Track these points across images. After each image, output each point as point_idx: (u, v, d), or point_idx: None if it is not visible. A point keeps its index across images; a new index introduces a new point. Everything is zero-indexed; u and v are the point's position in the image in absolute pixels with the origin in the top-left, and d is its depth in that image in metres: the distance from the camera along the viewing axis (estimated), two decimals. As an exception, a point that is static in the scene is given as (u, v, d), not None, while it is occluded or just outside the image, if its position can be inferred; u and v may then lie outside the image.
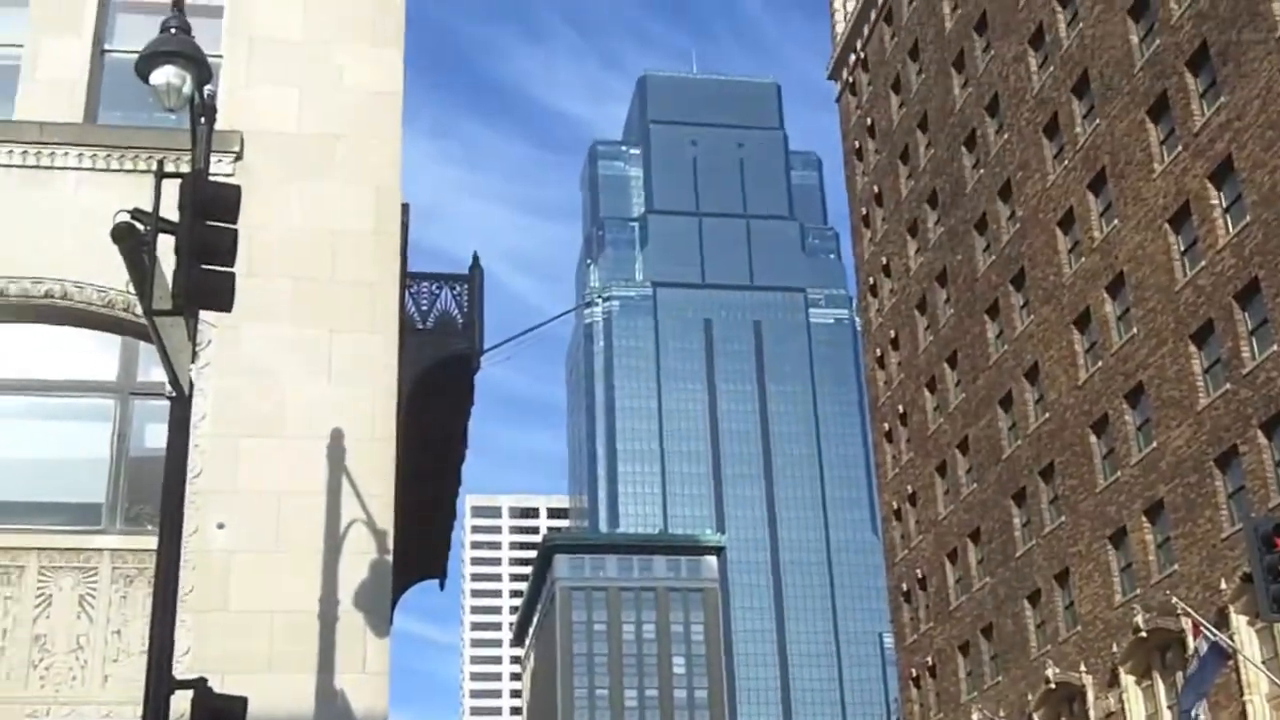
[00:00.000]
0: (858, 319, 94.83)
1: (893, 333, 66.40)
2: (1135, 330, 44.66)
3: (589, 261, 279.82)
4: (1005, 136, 54.59)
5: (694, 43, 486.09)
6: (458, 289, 19.88)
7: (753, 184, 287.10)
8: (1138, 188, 44.75)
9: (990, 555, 54.77)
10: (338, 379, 15.63)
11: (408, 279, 19.21)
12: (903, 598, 64.47)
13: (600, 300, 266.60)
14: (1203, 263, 41.09)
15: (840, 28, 76.24)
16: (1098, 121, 47.45)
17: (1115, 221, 46.14)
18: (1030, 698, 50.28)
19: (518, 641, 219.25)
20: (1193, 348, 41.76)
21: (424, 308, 19.65)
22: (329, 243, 16.16)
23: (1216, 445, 40.16)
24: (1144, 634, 43.08)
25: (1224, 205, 40.65)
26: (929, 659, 60.88)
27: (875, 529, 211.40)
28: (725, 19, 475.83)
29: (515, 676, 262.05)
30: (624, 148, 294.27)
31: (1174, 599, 40.52)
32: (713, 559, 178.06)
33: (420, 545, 22.39)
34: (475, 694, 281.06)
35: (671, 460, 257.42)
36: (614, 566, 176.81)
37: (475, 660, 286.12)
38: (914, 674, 62.76)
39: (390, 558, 15.26)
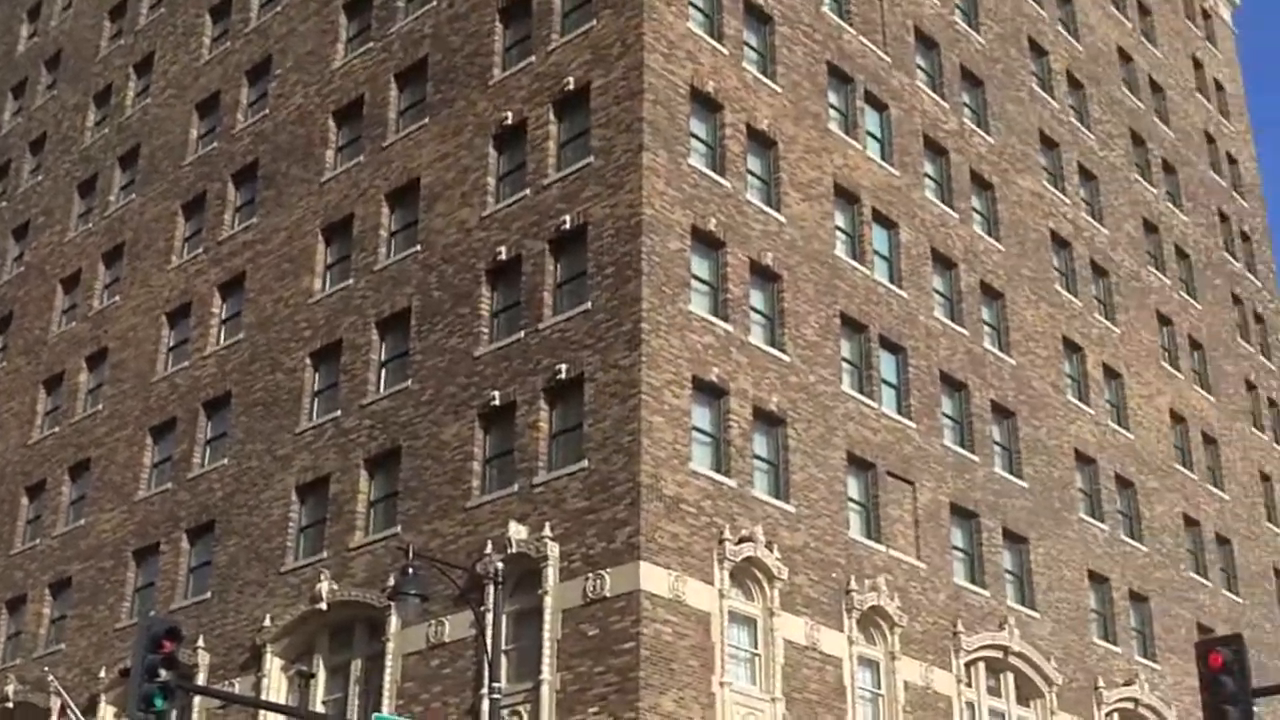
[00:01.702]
0: None
1: None
2: (101, 407, 44.50)
3: None
4: (40, 178, 52.87)
5: None
6: None
7: None
8: (149, 273, 45.14)
9: (-127, 592, 50.78)
10: None
11: None
12: None
13: None
14: (186, 363, 42.07)
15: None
16: (134, 197, 47.48)
17: (117, 298, 46.06)
18: None
19: None
20: (150, 440, 42.32)
21: None
22: None
23: (141, 538, 40.72)
24: (11, 705, 41.98)
25: (223, 316, 42.13)
26: None
27: None
28: None
29: None
30: None
31: (50, 676, 40.01)
32: None
33: None
34: None
35: None
36: None
37: None
38: None
39: None
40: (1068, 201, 47.70)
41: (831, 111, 39.04)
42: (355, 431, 36.07)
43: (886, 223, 39.22)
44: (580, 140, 34.22)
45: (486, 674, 28.37)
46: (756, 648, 30.84)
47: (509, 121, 35.86)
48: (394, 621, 32.33)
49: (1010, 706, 37.47)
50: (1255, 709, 19.77)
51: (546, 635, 29.50)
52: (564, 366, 31.71)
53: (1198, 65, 61.18)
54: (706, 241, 33.37)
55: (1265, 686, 24.08)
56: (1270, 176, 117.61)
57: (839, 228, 37.70)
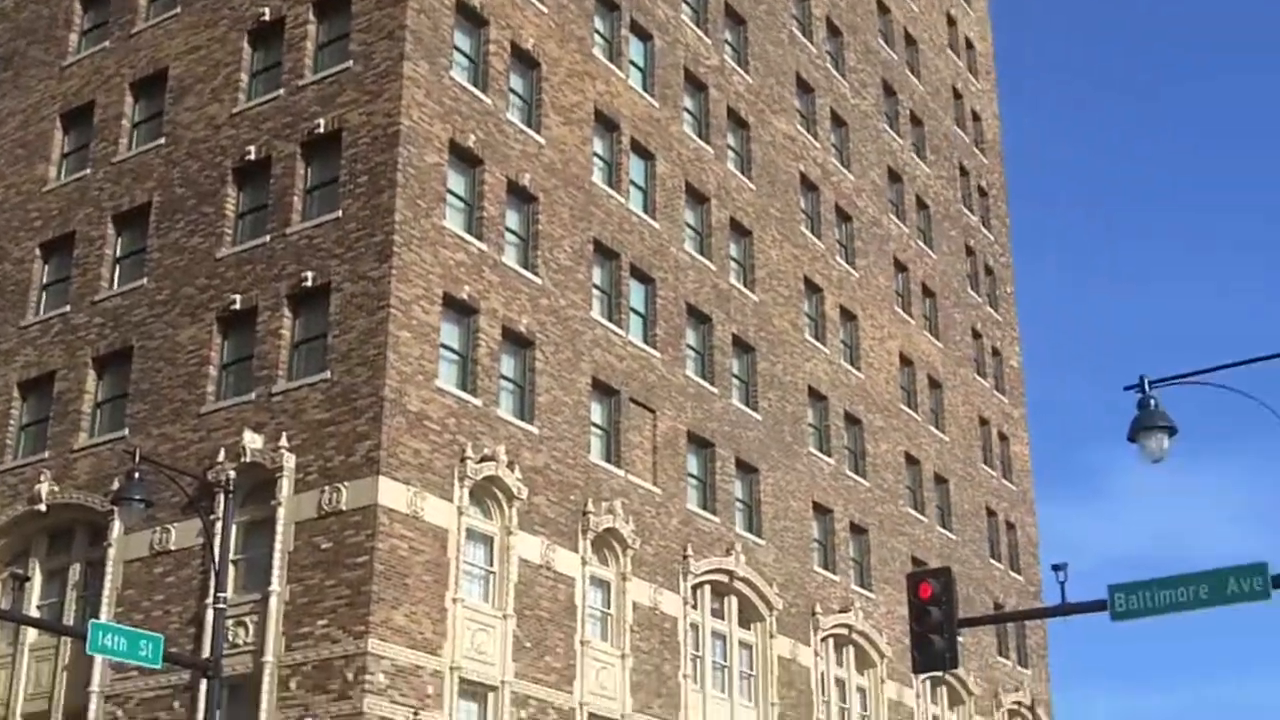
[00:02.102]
0: None
1: None
2: None
3: None
4: None
5: None
6: None
7: None
8: None
9: None
10: None
11: None
12: None
13: None
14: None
15: None
16: None
17: None
18: None
19: None
20: None
21: None
22: None
23: None
24: None
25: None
26: None
27: None
28: None
29: None
30: None
31: None
32: None
33: None
34: None
35: None
36: None
37: None
38: None
39: None
40: (818, 146, 48.81)
41: (597, 37, 38.99)
42: (85, 328, 34.69)
43: (644, 153, 39.50)
44: (340, 43, 33.36)
45: (213, 583, 27.90)
46: (492, 565, 31.03)
47: (266, 18, 34.69)
48: (117, 527, 31.38)
49: (732, 629, 38.66)
50: (959, 639, 20.86)
51: (278, 547, 29.06)
52: (310, 274, 31.07)
53: (951, 22, 63.14)
54: (464, 158, 33.04)
55: (969, 617, 25.49)
56: (1011, 134, 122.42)
57: (597, 154, 37.79)
